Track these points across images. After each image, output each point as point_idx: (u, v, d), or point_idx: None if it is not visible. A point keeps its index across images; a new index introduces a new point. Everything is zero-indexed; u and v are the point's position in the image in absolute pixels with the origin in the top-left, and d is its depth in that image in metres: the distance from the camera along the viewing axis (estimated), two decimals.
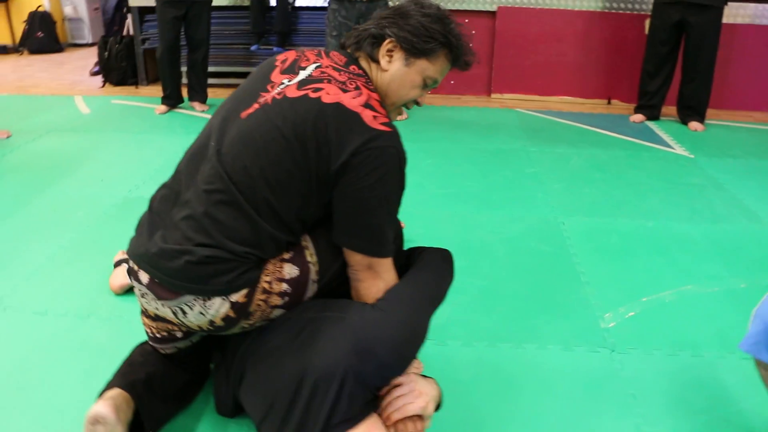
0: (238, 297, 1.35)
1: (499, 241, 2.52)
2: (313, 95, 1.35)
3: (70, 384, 1.68)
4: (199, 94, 4.47)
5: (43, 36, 6.74)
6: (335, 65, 1.44)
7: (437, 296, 1.48)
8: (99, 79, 5.32)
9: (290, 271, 1.40)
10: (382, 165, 1.33)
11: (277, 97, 1.39)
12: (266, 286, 1.38)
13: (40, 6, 6.75)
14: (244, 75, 5.12)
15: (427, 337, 1.38)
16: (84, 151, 3.58)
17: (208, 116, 4.12)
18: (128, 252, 1.44)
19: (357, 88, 1.38)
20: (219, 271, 1.33)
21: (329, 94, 1.35)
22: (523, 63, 4.79)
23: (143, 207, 1.51)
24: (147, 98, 4.77)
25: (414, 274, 1.48)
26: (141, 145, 3.73)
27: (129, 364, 1.51)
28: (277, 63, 1.49)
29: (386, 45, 1.46)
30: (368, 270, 1.41)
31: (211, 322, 1.38)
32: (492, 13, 4.73)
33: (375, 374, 1.30)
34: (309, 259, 1.42)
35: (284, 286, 1.39)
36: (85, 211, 2.72)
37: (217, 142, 1.39)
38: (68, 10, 7.09)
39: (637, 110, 4.40)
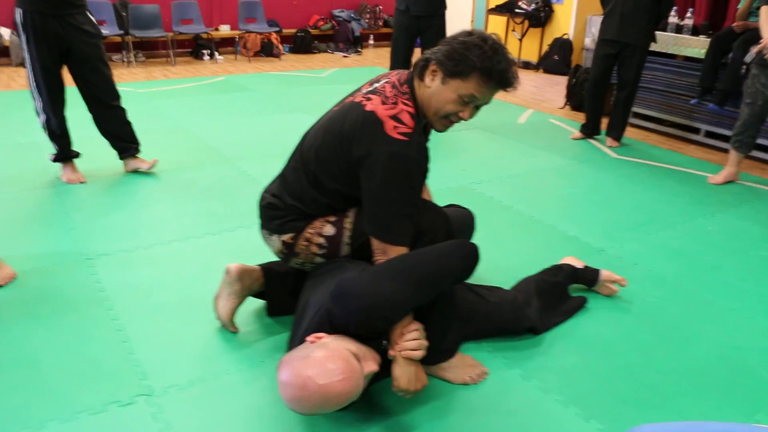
0: (286, 238, 1.93)
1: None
2: (363, 103, 1.79)
3: None
4: (614, 131, 4.78)
5: (557, 59, 7.89)
6: (394, 83, 1.83)
7: (419, 276, 1.62)
8: (562, 100, 6.18)
9: (329, 230, 1.89)
10: (389, 167, 1.69)
11: (349, 100, 1.88)
12: (309, 235, 1.91)
13: (565, 34, 7.89)
14: (681, 126, 5.15)
15: (391, 312, 1.57)
16: (469, 144, 4.57)
17: (615, 155, 4.49)
18: None
19: (395, 102, 1.76)
20: (275, 215, 1.93)
21: (371, 104, 1.77)
22: None
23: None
24: (574, 122, 5.39)
25: (413, 253, 1.71)
26: (526, 153, 4.46)
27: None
28: (378, 76, 1.94)
29: (431, 67, 1.78)
30: (383, 255, 1.77)
31: (276, 254, 2.00)
32: None
33: (340, 317, 1.59)
34: (346, 225, 1.88)
35: (322, 240, 1.90)
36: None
37: (312, 127, 1.96)
38: (587, 42, 8.01)
39: None
